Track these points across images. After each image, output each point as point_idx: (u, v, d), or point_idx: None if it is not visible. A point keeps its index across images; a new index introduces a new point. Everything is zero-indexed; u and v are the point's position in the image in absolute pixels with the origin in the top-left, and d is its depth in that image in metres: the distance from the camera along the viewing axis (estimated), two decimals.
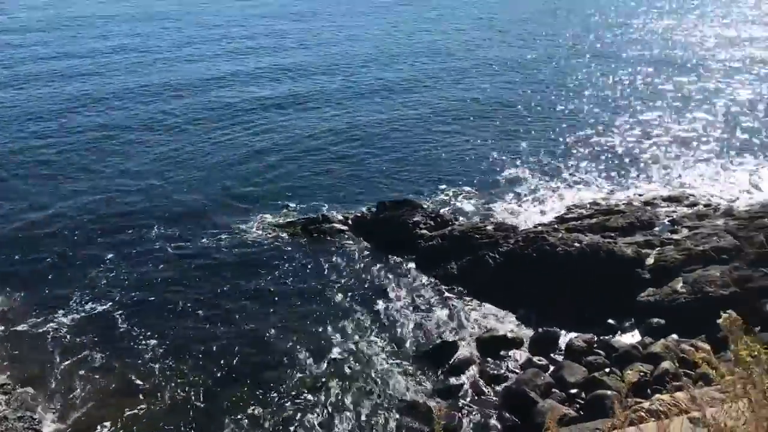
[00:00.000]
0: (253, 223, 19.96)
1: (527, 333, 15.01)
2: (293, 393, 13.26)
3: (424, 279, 17.35)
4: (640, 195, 21.25)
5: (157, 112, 29.43)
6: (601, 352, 13.79)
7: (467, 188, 22.16)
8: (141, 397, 13.08)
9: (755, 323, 11.95)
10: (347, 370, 13.89)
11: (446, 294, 16.66)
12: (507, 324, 15.46)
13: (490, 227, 18.70)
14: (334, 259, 18.20)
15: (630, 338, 14.56)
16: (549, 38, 43.59)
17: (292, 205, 21.13)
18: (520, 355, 14.33)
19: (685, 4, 55.09)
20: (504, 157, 24.37)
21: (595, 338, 14.30)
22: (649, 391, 12.00)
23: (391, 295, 16.61)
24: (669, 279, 15.68)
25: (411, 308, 16.07)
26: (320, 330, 15.21)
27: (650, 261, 16.42)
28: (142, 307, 16.02)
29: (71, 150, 25.16)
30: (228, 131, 27.20)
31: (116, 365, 13.98)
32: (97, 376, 13.60)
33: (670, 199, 20.54)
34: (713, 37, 42.87)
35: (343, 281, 17.21)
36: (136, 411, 12.67)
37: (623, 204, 20.23)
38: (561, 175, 22.96)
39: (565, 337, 14.57)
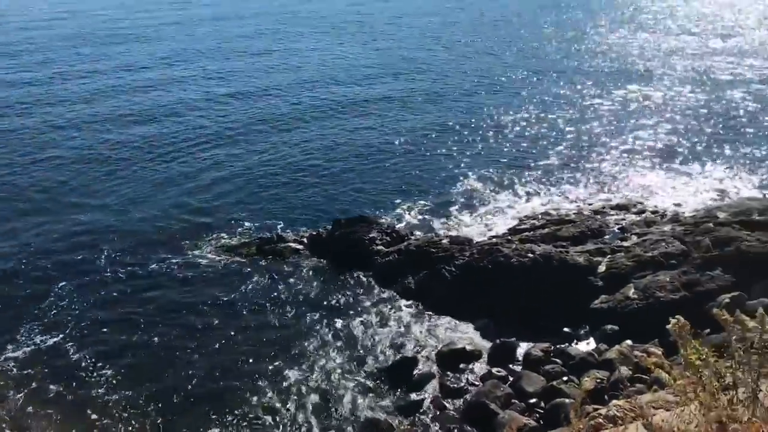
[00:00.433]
0: (207, 245, 19.67)
1: (486, 345, 15.10)
2: (252, 416, 13.05)
3: (382, 295, 17.33)
4: (589, 204, 21.71)
5: (105, 137, 28.85)
6: (558, 360, 13.97)
7: (422, 202, 22.30)
8: (96, 429, 12.67)
9: (705, 326, 12.15)
10: (307, 391, 13.74)
11: (404, 309, 16.67)
12: (465, 336, 15.54)
13: (445, 241, 18.83)
14: (290, 279, 18.04)
15: (586, 346, 14.79)
16: (495, 52, 44.34)
17: (247, 224, 20.89)
18: (480, 367, 14.41)
19: (627, 17, 56.78)
20: (457, 171, 24.63)
21: (552, 347, 14.48)
22: (606, 397, 12.21)
23: (350, 312, 16.53)
24: (621, 285, 16.03)
25: (369, 325, 16.02)
26: (279, 351, 15.02)
27: (602, 268, 16.75)
28: (94, 336, 15.57)
29: (13, 176, 24.45)
30: (178, 152, 26.80)
31: (70, 397, 13.55)
32: (51, 410, 13.13)
33: (619, 207, 21.03)
34: (657, 48, 44.27)
35: (300, 301, 17.06)
36: None
37: (573, 213, 20.63)
38: (513, 187, 23.30)
39: (522, 347, 14.72)
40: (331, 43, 48.58)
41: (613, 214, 20.46)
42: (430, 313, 16.48)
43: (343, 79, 37.95)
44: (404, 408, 13.24)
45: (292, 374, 14.22)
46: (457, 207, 22.01)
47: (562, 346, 14.63)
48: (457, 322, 16.08)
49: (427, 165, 25.44)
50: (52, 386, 13.82)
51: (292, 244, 19.64)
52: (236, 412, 13.12)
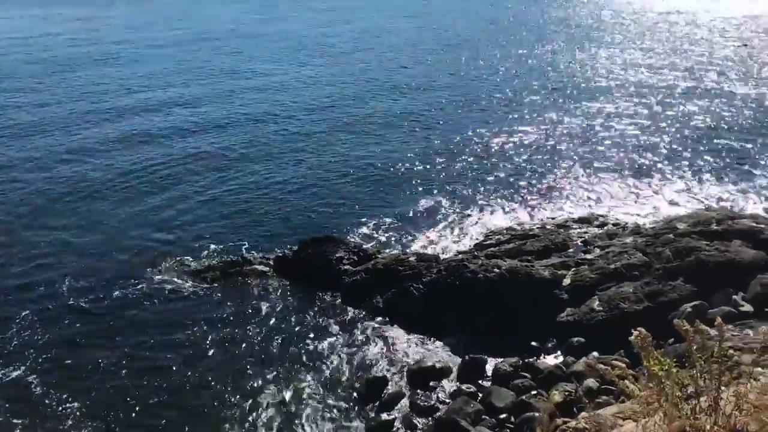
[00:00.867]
0: (170, 269, 19.35)
1: (455, 361, 15.11)
2: None
3: (351, 315, 17.26)
4: (552, 218, 22.01)
5: (64, 164, 28.37)
6: (527, 374, 14.03)
7: (388, 220, 22.35)
8: None
9: (669, 335, 12.46)
10: (276, 415, 13.55)
11: (373, 328, 16.61)
12: (435, 354, 15.53)
13: (412, 258, 18.86)
14: (257, 303, 17.86)
15: (554, 359, 14.90)
16: (457, 71, 44.91)
17: (212, 246, 20.64)
18: (450, 384, 14.40)
19: (582, 34, 58.06)
20: (422, 188, 24.79)
21: (521, 361, 14.54)
22: (575, 409, 12.32)
23: (318, 333, 16.42)
24: (586, 298, 16.21)
25: (338, 345, 15.92)
26: (247, 376, 14.81)
27: (567, 281, 16.94)
28: (57, 368, 15.11)
29: None
30: (137, 176, 26.45)
31: None
32: None
33: (581, 221, 21.34)
34: (613, 63, 45.31)
35: (268, 324, 16.88)
36: None
37: (537, 228, 20.87)
38: (478, 203, 23.52)
39: (491, 363, 14.76)
40: (293, 65, 48.67)
41: (576, 228, 20.74)
42: (399, 331, 16.45)
43: (306, 101, 37.98)
44: (375, 428, 13.13)
45: (262, 399, 14.02)
46: (423, 224, 22.11)
47: (531, 359, 14.71)
48: (427, 339, 16.09)
49: (392, 183, 25.54)
50: (15, 421, 13.37)
51: (258, 267, 19.46)
52: None
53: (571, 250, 19.00)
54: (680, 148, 28.09)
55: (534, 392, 13.34)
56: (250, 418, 13.48)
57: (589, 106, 34.84)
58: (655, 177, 25.24)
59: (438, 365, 14.85)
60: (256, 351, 15.79)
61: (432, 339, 16.07)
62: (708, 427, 4.47)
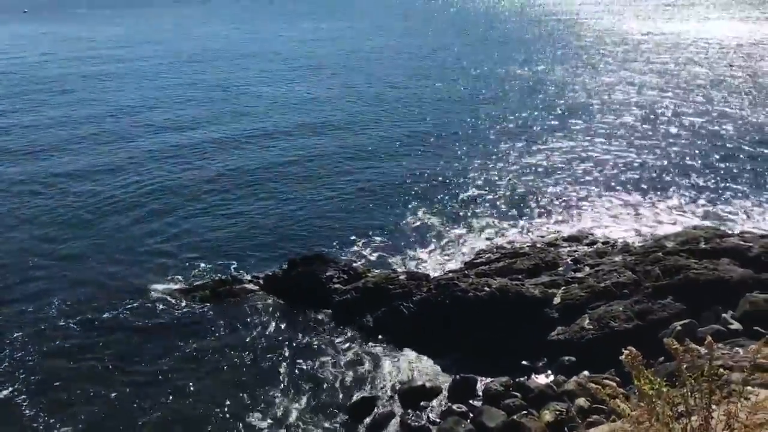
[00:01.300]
0: (160, 289, 19.23)
1: (446, 380, 15.04)
2: None
3: (341, 334, 17.17)
4: (542, 237, 22.06)
5: (48, 172, 28.39)
6: (518, 393, 13.98)
7: (378, 239, 22.32)
8: None
9: (659, 353, 12.47)
10: None
11: (363, 347, 16.53)
12: (425, 373, 15.45)
13: (402, 277, 18.83)
14: (248, 321, 17.74)
15: (544, 378, 14.86)
16: (443, 89, 45.19)
17: (202, 265, 20.55)
18: (440, 403, 14.32)
19: (570, 53, 58.68)
20: (411, 207, 24.80)
21: (511, 380, 14.49)
22: (566, 429, 12.28)
23: (309, 352, 16.31)
24: (576, 316, 16.22)
25: (329, 364, 15.82)
26: (238, 395, 14.69)
27: (557, 300, 16.95)
28: (48, 389, 14.99)
29: None
30: (127, 197, 26.39)
31: None
32: None
33: (571, 239, 21.41)
34: (600, 83, 45.75)
35: (258, 343, 16.76)
36: None
37: (528, 246, 20.90)
38: (467, 222, 23.56)
39: (481, 382, 14.70)
40: (284, 84, 48.85)
41: (565, 246, 20.80)
42: (390, 350, 16.37)
43: (296, 121, 38.07)
44: None
45: (252, 418, 13.91)
46: (413, 243, 22.09)
47: (522, 379, 14.67)
48: (417, 358, 16.01)
49: (382, 201, 25.55)
50: None
51: (248, 285, 19.37)
52: None
53: (561, 268, 19.04)
54: (668, 168, 28.31)
55: (525, 412, 13.28)
56: None
57: (578, 126, 35.11)
58: (643, 196, 25.40)
59: (428, 384, 14.77)
60: (246, 370, 15.67)
61: (422, 358, 16.00)
62: None
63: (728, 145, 31.05)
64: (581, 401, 12.97)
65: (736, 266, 16.86)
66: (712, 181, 26.61)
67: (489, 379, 14.67)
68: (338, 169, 29.26)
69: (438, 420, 13.71)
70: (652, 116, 36.57)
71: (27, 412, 14.19)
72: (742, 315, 15.18)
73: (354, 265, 20.31)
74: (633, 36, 67.06)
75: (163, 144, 32.82)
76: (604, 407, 12.12)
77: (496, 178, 27.74)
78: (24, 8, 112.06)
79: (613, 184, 26.74)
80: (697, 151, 30.28)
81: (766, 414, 4.67)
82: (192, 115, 39.16)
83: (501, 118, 36.96)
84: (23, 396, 14.64)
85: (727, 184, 26.13)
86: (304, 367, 15.69)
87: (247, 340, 16.91)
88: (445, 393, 14.63)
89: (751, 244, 18.03)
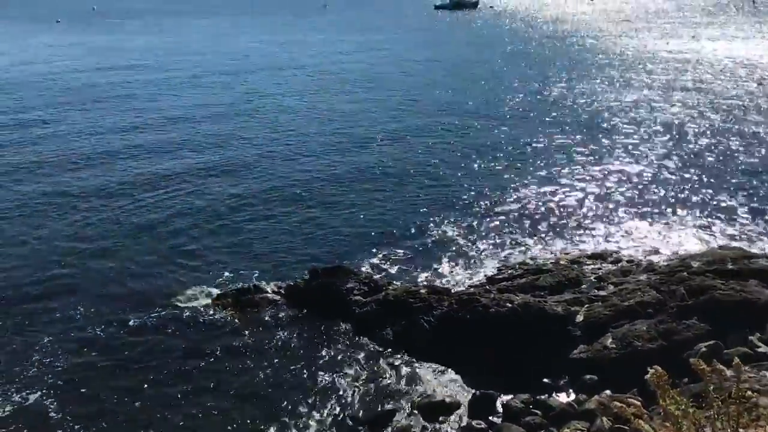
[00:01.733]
0: (183, 296, 19.44)
1: (465, 396, 14.95)
2: None
3: (361, 346, 17.15)
4: (566, 254, 21.87)
5: (77, 183, 28.82)
6: (538, 411, 13.84)
7: (399, 251, 22.32)
8: None
9: (683, 374, 12.31)
10: None
11: (383, 360, 16.49)
12: (444, 388, 15.36)
13: (423, 291, 18.78)
14: (269, 331, 17.82)
15: (565, 396, 14.70)
16: (463, 102, 45.20)
17: (226, 274, 20.73)
18: (459, 419, 14.21)
19: (590, 69, 58.37)
20: (433, 220, 24.76)
21: (532, 398, 14.36)
22: None
23: (327, 364, 16.31)
24: (599, 335, 16.04)
25: (348, 377, 15.80)
26: (258, 406, 14.75)
27: (580, 318, 16.79)
28: (75, 393, 15.16)
29: None
30: (151, 200, 26.81)
31: None
32: None
33: (595, 257, 21.20)
34: (623, 100, 45.44)
35: (278, 354, 16.81)
36: None
37: (551, 263, 20.74)
38: (489, 236, 23.45)
39: (502, 399, 14.58)
40: (304, 94, 49.23)
41: (589, 264, 20.60)
42: (409, 363, 16.31)
43: (317, 131, 38.38)
44: None
45: (271, 429, 13.93)
46: (434, 256, 22.04)
47: (542, 397, 14.53)
48: (436, 373, 15.93)
49: (403, 213, 25.57)
50: None
51: (270, 295, 19.47)
52: None
53: (584, 286, 18.86)
54: (695, 187, 27.97)
55: (545, 430, 13.14)
56: None
57: (603, 143, 34.85)
58: (668, 214, 25.11)
59: (447, 400, 14.69)
60: (266, 380, 15.71)
61: (442, 373, 15.92)
62: None
63: (758, 165, 30.61)
64: (603, 421, 12.79)
65: (765, 288, 16.56)
66: (741, 201, 26.21)
67: (509, 396, 14.55)
68: (360, 181, 29.32)
69: None
70: (678, 134, 36.19)
71: (54, 415, 14.37)
72: None
73: (375, 277, 20.33)
74: (658, 53, 66.57)
75: (188, 158, 33.08)
76: (626, 427, 11.97)
77: (520, 193, 27.61)
78: (57, 18, 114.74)
79: (638, 202, 26.47)
80: (724, 170, 29.89)
81: None
82: (216, 129, 39.51)
83: (525, 134, 36.84)
84: (51, 400, 14.84)
85: (756, 205, 25.71)
86: (323, 379, 15.69)
87: (268, 350, 16.97)
88: (464, 408, 14.53)
89: None
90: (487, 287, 18.80)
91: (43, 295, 19.44)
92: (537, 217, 25.21)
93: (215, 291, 19.74)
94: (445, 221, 24.65)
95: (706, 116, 40.16)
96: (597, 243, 22.84)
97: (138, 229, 24.15)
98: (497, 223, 24.60)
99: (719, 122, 38.58)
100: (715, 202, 26.15)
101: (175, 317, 18.40)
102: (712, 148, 33.49)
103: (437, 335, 16.84)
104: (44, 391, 15.14)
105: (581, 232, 23.85)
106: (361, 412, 14.53)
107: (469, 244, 22.92)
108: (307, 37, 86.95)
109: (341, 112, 42.98)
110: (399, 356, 16.59)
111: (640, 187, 28.23)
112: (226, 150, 34.13)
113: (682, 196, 26.98)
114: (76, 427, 14.05)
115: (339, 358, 16.61)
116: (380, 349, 16.90)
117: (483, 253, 22.26)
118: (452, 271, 21.13)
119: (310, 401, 14.87)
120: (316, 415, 14.40)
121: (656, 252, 21.83)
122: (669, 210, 25.55)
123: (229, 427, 14.06)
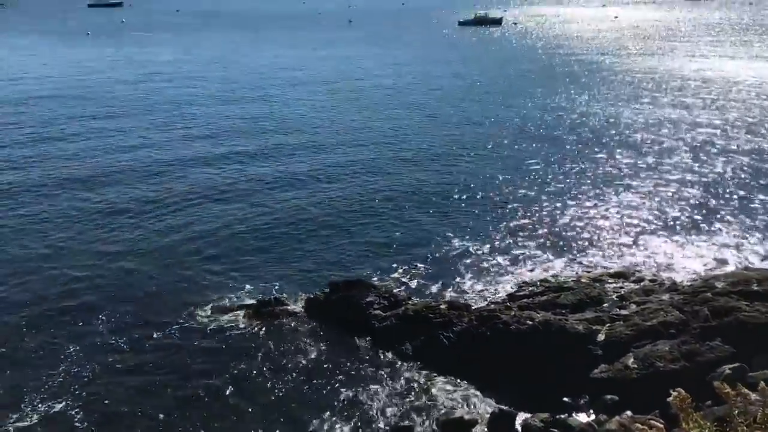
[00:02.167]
0: (205, 308, 19.63)
1: (484, 413, 14.87)
2: None
3: (380, 360, 17.15)
4: (588, 272, 21.71)
5: (99, 196, 29.23)
6: (557, 430, 13.72)
7: (420, 266, 22.32)
8: None
9: (705, 397, 12.13)
10: None
11: (402, 375, 16.47)
12: (464, 404, 15.30)
13: (443, 306, 18.74)
14: (289, 344, 17.91)
15: (585, 416, 14.56)
16: (490, 121, 45.17)
17: (247, 286, 20.88)
18: None
19: (613, 88, 58.07)
20: (453, 236, 24.72)
21: (551, 417, 14.24)
22: None
23: (346, 377, 16.33)
24: (620, 354, 15.88)
25: (367, 391, 15.80)
26: (278, 417, 14.87)
27: (601, 337, 16.63)
28: (99, 403, 15.44)
29: (12, 235, 24.60)
30: (175, 213, 27.16)
31: None
32: None
33: (617, 275, 21.00)
34: (647, 119, 45.11)
35: (298, 366, 16.90)
36: None
37: (572, 281, 20.59)
38: (510, 253, 23.37)
39: (521, 417, 14.47)
40: (325, 103, 49.56)
41: (611, 282, 20.41)
42: (428, 379, 16.28)
43: (341, 142, 38.62)
44: None
45: None
46: (454, 272, 22.00)
47: (562, 416, 14.40)
48: (456, 389, 15.87)
49: (424, 228, 25.58)
50: None
51: (290, 307, 19.56)
52: None
53: (606, 304, 18.69)
54: (719, 207, 27.66)
55: None
56: None
57: (628, 161, 34.62)
58: (693, 234, 24.84)
59: (467, 416, 14.61)
60: (285, 393, 15.80)
61: (461, 389, 15.87)
62: None
63: None
64: None
65: None
66: (766, 221, 25.86)
67: (528, 415, 14.45)
68: (381, 196, 29.40)
69: None
70: (704, 154, 35.84)
71: (78, 425, 14.58)
72: None
73: (395, 291, 20.33)
74: (684, 73, 66.08)
75: (210, 174, 33.32)
76: None
77: (543, 210, 27.50)
78: (87, 31, 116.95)
79: (661, 221, 26.24)
80: (750, 191, 29.52)
81: None
82: (242, 145, 39.86)
83: (548, 151, 36.72)
84: (76, 410, 15.09)
85: None
86: (343, 392, 15.71)
87: (288, 363, 17.05)
88: (483, 426, 14.44)
89: None
90: (508, 304, 18.72)
91: (68, 308, 19.76)
92: (559, 234, 25.08)
93: (237, 303, 19.88)
94: (467, 236, 24.61)
95: (731, 135, 39.75)
96: (619, 261, 22.65)
97: (161, 243, 24.41)
98: (519, 239, 24.51)
99: (744, 142, 38.17)
100: (739, 222, 25.83)
101: (198, 328, 18.60)
102: (737, 167, 33.12)
103: (457, 351, 16.78)
104: (69, 402, 15.36)
105: (603, 249, 23.68)
106: (380, 426, 14.51)
107: (490, 260, 22.85)
108: (338, 51, 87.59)
109: (362, 129, 43.08)
110: (418, 371, 16.56)
111: (664, 205, 27.97)
112: (247, 166, 34.37)
113: (707, 215, 26.68)
114: None
115: (359, 371, 16.62)
116: (400, 364, 16.88)
117: (504, 270, 22.18)
118: (472, 287, 21.06)
119: (328, 414, 14.89)
120: (335, 428, 14.40)
121: (679, 271, 21.59)
122: (693, 229, 25.28)
123: None
